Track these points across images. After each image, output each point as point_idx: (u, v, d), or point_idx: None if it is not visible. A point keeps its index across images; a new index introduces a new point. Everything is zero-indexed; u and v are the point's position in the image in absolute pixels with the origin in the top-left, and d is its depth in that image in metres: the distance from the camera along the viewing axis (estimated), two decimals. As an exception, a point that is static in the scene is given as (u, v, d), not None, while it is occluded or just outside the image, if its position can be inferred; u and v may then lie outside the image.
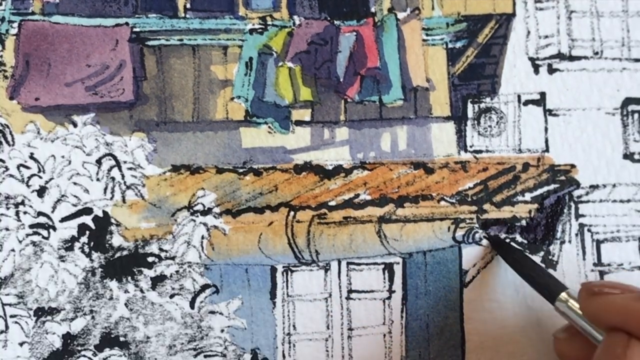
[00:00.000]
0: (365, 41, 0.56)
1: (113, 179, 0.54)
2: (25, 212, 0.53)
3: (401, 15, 0.56)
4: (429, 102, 0.56)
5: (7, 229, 0.53)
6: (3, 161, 0.53)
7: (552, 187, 0.56)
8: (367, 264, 0.55)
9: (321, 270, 0.55)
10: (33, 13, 0.54)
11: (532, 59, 0.57)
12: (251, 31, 0.55)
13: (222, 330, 0.54)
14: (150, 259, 0.54)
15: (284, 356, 0.54)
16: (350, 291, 0.55)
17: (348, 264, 0.55)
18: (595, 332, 0.46)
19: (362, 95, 0.56)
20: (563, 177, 0.56)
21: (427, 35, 0.56)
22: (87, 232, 0.54)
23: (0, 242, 0.53)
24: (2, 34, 0.54)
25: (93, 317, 0.53)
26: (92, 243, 0.54)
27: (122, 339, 0.53)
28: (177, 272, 0.54)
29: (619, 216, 0.56)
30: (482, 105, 0.56)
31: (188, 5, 0.55)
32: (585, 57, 0.57)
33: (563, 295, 0.49)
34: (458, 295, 0.55)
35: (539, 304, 0.55)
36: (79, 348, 0.53)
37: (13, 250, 0.53)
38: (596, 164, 0.56)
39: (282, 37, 0.55)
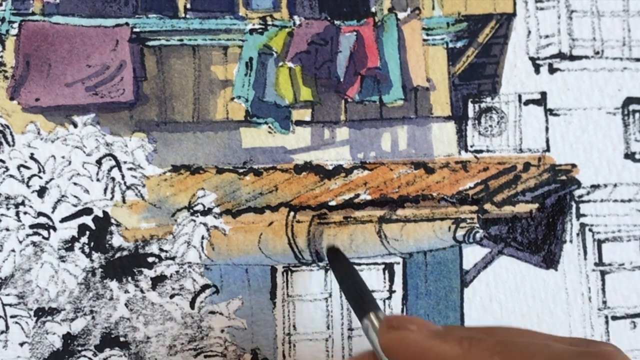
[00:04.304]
0: (366, 41, 0.56)
1: (113, 179, 0.54)
2: (25, 213, 0.53)
3: (401, 15, 0.56)
4: (430, 102, 0.56)
5: (7, 229, 0.53)
6: (3, 161, 0.53)
7: (553, 186, 0.56)
8: (367, 264, 0.55)
9: (321, 270, 0.55)
10: (33, 13, 0.54)
11: (532, 59, 0.57)
12: (251, 31, 0.55)
13: (222, 331, 0.54)
14: (150, 259, 0.54)
15: (284, 356, 0.54)
16: (350, 291, 0.55)
17: (348, 264, 0.55)
18: None
19: (362, 95, 0.56)
20: (564, 177, 0.56)
21: (427, 35, 0.56)
22: (87, 233, 0.54)
23: (0, 242, 0.53)
24: (2, 34, 0.54)
25: (93, 318, 0.53)
26: (92, 243, 0.54)
27: (122, 339, 0.53)
28: (177, 272, 0.54)
29: (620, 216, 0.56)
30: (483, 105, 0.56)
31: (188, 6, 0.55)
32: (586, 57, 0.57)
33: (372, 315, 0.44)
34: (458, 295, 0.55)
35: (538, 304, 0.55)
36: (79, 348, 0.53)
37: (13, 250, 0.53)
38: (597, 163, 0.56)
39: (282, 37, 0.55)
